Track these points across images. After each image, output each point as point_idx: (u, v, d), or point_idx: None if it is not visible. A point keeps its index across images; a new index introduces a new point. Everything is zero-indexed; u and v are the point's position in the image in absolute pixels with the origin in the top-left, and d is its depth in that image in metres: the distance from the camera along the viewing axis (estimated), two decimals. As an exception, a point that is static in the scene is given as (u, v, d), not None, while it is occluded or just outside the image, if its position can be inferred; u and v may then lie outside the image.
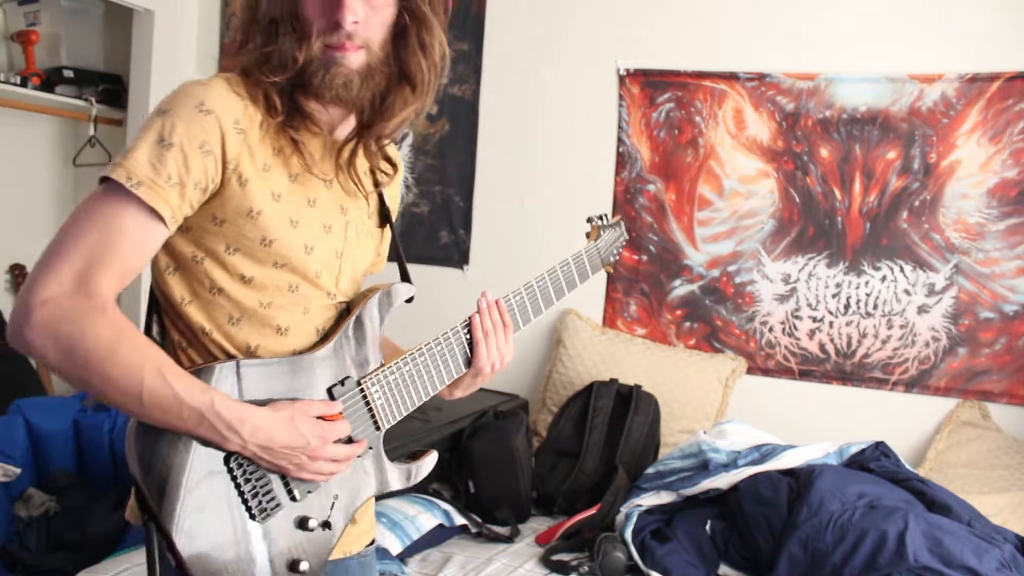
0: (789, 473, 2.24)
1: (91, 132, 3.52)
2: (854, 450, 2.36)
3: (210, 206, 1.05)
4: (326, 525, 1.12)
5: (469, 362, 1.26)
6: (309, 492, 1.10)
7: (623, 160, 3.13)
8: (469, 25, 3.31)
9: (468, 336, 1.26)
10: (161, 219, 0.99)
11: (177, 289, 1.09)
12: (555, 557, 2.22)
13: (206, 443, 1.01)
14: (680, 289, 3.09)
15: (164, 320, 1.13)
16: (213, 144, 1.02)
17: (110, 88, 3.60)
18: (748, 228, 3.00)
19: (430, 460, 1.27)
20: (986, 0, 2.72)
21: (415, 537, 2.18)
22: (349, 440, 1.13)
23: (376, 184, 1.23)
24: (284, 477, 1.08)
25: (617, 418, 2.73)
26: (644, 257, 3.13)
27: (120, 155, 1.00)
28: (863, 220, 2.87)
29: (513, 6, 3.26)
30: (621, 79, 3.11)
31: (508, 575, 2.13)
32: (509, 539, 2.36)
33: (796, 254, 2.95)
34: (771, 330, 2.99)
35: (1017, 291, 2.74)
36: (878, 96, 2.83)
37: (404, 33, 1.11)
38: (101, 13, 3.61)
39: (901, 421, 2.84)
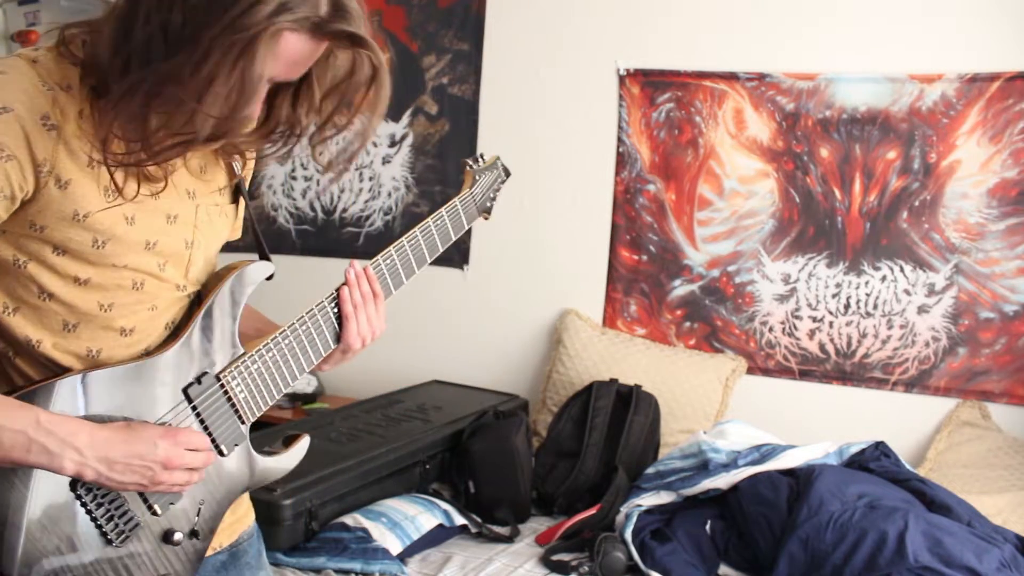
0: (789, 473, 2.24)
1: (91, 132, 3.52)
2: (854, 450, 2.36)
3: (25, 213, 0.91)
4: (193, 534, 1.06)
5: (338, 337, 1.18)
6: (171, 504, 1.04)
7: (623, 160, 3.13)
8: (469, 25, 3.31)
9: (336, 311, 1.18)
10: None
11: None
12: (555, 557, 2.22)
13: (46, 471, 0.92)
14: (680, 289, 3.09)
15: None
16: (14, 147, 0.87)
17: (110, 88, 3.60)
18: (748, 228, 3.00)
19: (302, 445, 1.21)
20: (986, 0, 2.72)
21: (415, 537, 2.18)
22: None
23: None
24: (142, 493, 1.00)
25: (617, 418, 2.73)
26: (644, 257, 3.13)
27: None
28: (863, 220, 2.87)
29: (513, 6, 3.26)
30: (621, 79, 3.11)
31: (508, 575, 2.13)
32: (509, 539, 2.36)
33: (796, 254, 2.95)
34: (771, 330, 2.99)
35: (1017, 291, 2.74)
36: (878, 96, 2.83)
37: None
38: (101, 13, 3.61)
39: (901, 421, 2.84)
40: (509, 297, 3.29)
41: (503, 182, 1.54)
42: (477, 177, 1.45)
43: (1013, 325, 2.75)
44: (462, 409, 2.84)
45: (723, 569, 2.18)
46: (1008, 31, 2.70)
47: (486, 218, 1.48)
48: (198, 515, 1.07)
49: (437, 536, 2.27)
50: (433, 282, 3.31)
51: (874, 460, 2.32)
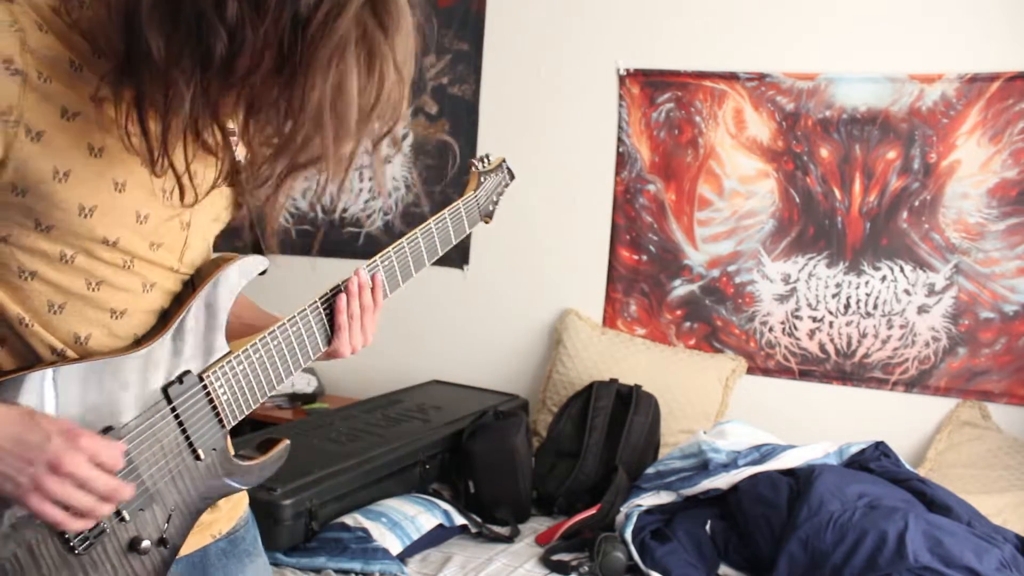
0: (789, 473, 2.24)
1: (91, 132, 3.52)
2: (854, 450, 2.36)
3: (4, 173, 0.84)
4: (162, 542, 0.98)
5: (328, 340, 1.13)
6: (141, 510, 0.95)
7: (623, 160, 3.13)
8: (469, 25, 3.31)
9: (329, 313, 1.12)
10: None
11: None
12: (555, 557, 2.22)
13: None
14: (680, 289, 3.09)
15: None
16: None
17: (110, 88, 3.60)
18: (748, 228, 3.00)
19: (280, 451, 1.14)
20: (986, 0, 2.72)
21: (415, 537, 2.18)
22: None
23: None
24: None
25: (617, 418, 2.73)
26: (644, 257, 3.13)
27: None
28: (863, 220, 2.87)
29: (513, 6, 3.26)
30: (621, 79, 3.11)
31: (508, 575, 2.13)
32: (509, 539, 2.36)
33: (796, 254, 2.95)
34: (771, 330, 2.99)
35: (1017, 291, 2.74)
36: (878, 96, 2.83)
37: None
38: (101, 13, 3.61)
39: (901, 421, 2.84)
40: (509, 297, 3.29)
41: (507, 185, 1.50)
42: (483, 179, 1.41)
43: (1013, 325, 2.75)
44: (462, 409, 2.84)
45: (723, 569, 2.18)
46: (1007, 31, 2.70)
47: (487, 222, 1.44)
48: (168, 522, 0.99)
49: (437, 536, 2.27)
50: (433, 282, 3.31)
51: (874, 460, 2.32)
